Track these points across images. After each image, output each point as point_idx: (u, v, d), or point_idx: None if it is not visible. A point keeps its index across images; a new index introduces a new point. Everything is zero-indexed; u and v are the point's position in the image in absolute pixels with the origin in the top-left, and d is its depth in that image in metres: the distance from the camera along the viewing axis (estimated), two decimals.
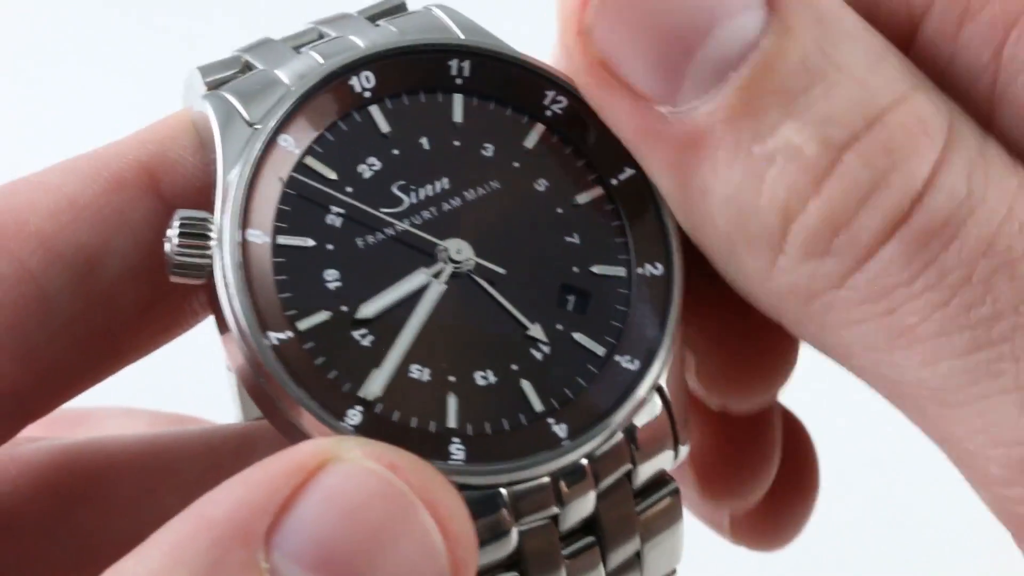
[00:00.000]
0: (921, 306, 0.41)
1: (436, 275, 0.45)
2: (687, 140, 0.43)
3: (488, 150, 0.48)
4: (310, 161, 0.46)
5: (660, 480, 0.47)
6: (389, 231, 0.46)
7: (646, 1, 0.43)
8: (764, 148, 0.42)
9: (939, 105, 0.43)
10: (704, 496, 0.58)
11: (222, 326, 0.45)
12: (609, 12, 0.43)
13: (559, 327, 0.46)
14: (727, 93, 0.42)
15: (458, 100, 0.48)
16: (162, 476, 0.52)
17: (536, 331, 0.45)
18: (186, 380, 0.81)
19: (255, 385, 0.44)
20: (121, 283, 0.47)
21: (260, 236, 0.44)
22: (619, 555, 0.46)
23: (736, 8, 0.42)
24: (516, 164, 0.48)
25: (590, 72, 0.45)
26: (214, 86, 0.48)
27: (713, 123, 0.42)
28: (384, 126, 0.47)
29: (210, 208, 0.46)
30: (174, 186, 0.48)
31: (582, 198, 0.48)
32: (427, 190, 0.47)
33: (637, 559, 0.47)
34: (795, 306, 0.43)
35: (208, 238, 0.44)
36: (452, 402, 0.44)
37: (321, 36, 0.49)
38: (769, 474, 0.58)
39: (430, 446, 0.42)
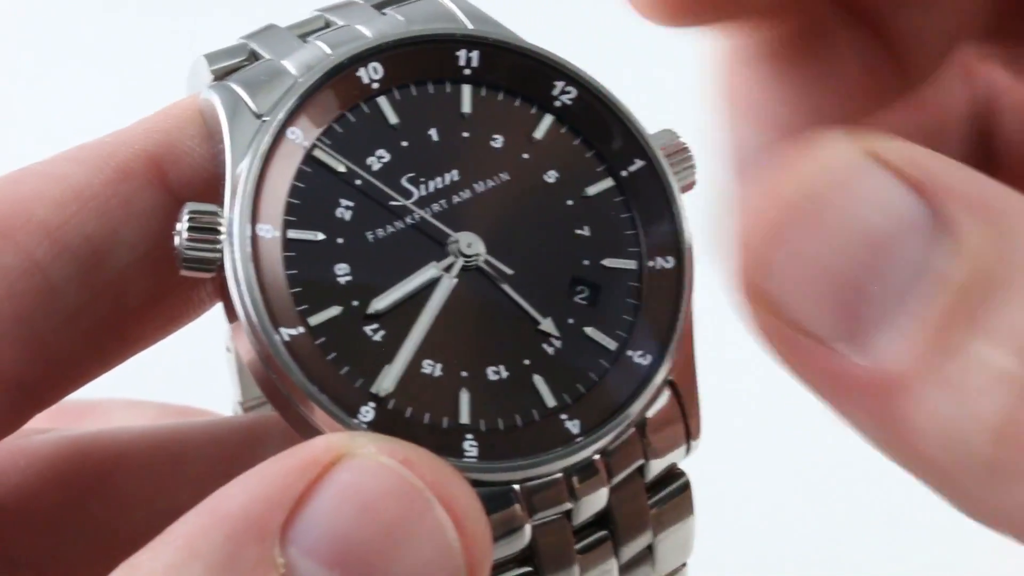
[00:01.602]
0: None
1: (447, 269, 0.46)
2: (886, 383, 0.41)
3: (497, 141, 0.48)
4: (319, 154, 0.46)
5: (672, 474, 0.48)
6: (399, 224, 0.46)
7: (820, 252, 0.41)
8: (969, 375, 0.40)
9: None
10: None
11: (231, 315, 0.45)
12: (774, 273, 0.41)
13: (570, 321, 0.46)
14: (914, 326, 0.40)
15: (466, 91, 0.48)
16: (171, 468, 0.53)
17: (548, 325, 0.46)
18: (192, 370, 0.82)
19: (266, 379, 0.44)
20: (128, 273, 0.48)
21: (270, 231, 0.45)
22: (631, 548, 0.47)
23: (900, 232, 0.41)
24: (526, 156, 0.48)
25: (771, 322, 0.42)
26: (221, 75, 0.48)
27: (907, 360, 0.40)
28: (393, 117, 0.48)
29: (217, 199, 0.46)
30: (180, 176, 0.48)
31: (592, 190, 0.48)
32: (437, 182, 0.47)
33: (649, 552, 0.48)
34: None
35: (218, 232, 0.45)
36: (465, 398, 0.45)
37: (327, 24, 0.50)
38: None
39: (443, 443, 0.43)
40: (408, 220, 0.47)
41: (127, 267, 0.48)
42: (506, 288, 0.46)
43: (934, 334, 0.40)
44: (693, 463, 0.48)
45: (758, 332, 0.43)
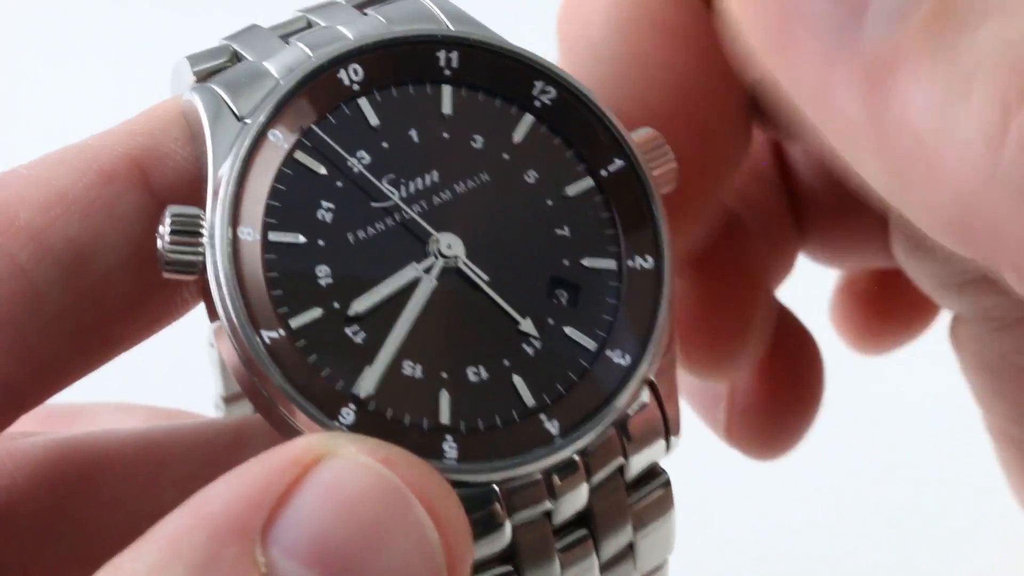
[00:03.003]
0: None
1: (427, 270, 0.47)
2: (881, 65, 0.41)
3: (478, 142, 0.49)
4: (300, 156, 0.47)
5: (652, 472, 0.49)
6: (380, 225, 0.47)
7: None
8: (970, 53, 0.40)
9: None
10: (686, 360, 0.58)
11: (212, 315, 0.46)
12: None
13: (550, 321, 0.47)
14: (920, 10, 0.41)
15: (447, 91, 0.49)
16: (157, 470, 0.54)
17: (527, 325, 0.47)
18: (178, 374, 0.83)
19: (248, 382, 0.45)
20: (111, 276, 0.49)
21: (251, 233, 0.46)
22: (612, 546, 0.48)
23: None
24: (506, 156, 0.49)
25: (767, 16, 0.43)
26: (203, 76, 0.49)
27: (909, 41, 0.41)
28: (373, 119, 0.49)
29: (200, 202, 0.47)
30: (164, 179, 0.49)
31: (572, 190, 0.49)
32: (417, 183, 0.48)
33: (630, 550, 0.49)
34: (1019, 208, 0.39)
35: (199, 235, 0.46)
36: (445, 399, 0.46)
37: (309, 25, 0.51)
38: (746, 340, 0.59)
39: (423, 444, 0.44)
40: (389, 221, 0.48)
41: (110, 269, 0.48)
42: (486, 288, 0.47)
43: (934, 12, 0.41)
44: (674, 461, 0.49)
45: (749, 24, 0.43)
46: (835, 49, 0.42)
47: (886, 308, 0.58)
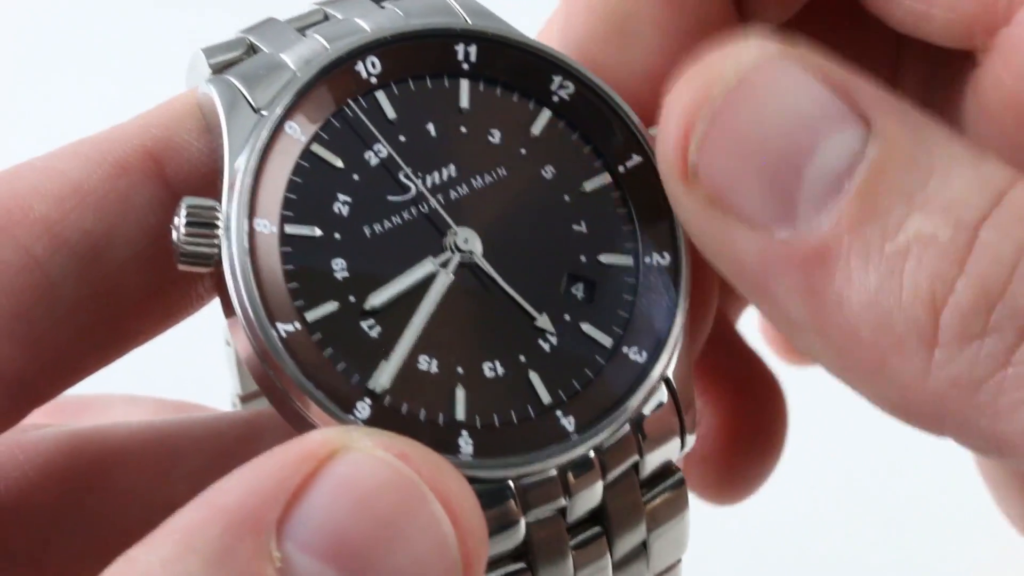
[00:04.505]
0: None
1: (443, 264, 0.47)
2: (814, 257, 0.44)
3: (495, 136, 0.50)
4: (317, 149, 0.48)
5: (666, 470, 0.49)
6: (396, 219, 0.48)
7: (746, 131, 0.45)
8: (896, 244, 0.43)
9: None
10: None
11: (228, 310, 0.47)
12: (711, 149, 0.45)
13: (567, 317, 0.48)
14: (847, 201, 0.44)
15: (464, 85, 0.50)
16: (169, 463, 0.54)
17: (543, 321, 0.47)
18: (188, 367, 0.83)
19: (263, 376, 0.46)
20: (126, 269, 0.49)
21: (267, 225, 0.46)
22: (625, 544, 0.48)
23: (834, 124, 0.44)
24: (523, 151, 0.50)
25: (703, 213, 0.46)
26: (219, 68, 0.50)
27: (839, 233, 0.44)
28: (391, 112, 0.49)
29: (215, 194, 0.48)
30: (179, 171, 0.50)
31: (589, 185, 0.50)
32: (434, 177, 0.49)
33: (643, 548, 0.49)
34: (961, 401, 0.43)
35: (215, 227, 0.46)
36: (460, 394, 0.46)
37: (326, 17, 0.51)
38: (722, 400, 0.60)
39: (439, 439, 0.45)
40: (405, 215, 0.48)
41: (125, 262, 0.49)
42: (502, 284, 0.47)
43: (869, 209, 0.44)
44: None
45: (682, 213, 0.46)
46: (768, 245, 0.45)
47: None
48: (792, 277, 0.44)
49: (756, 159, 0.45)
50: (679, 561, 0.51)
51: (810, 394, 0.64)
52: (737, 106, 0.45)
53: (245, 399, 0.63)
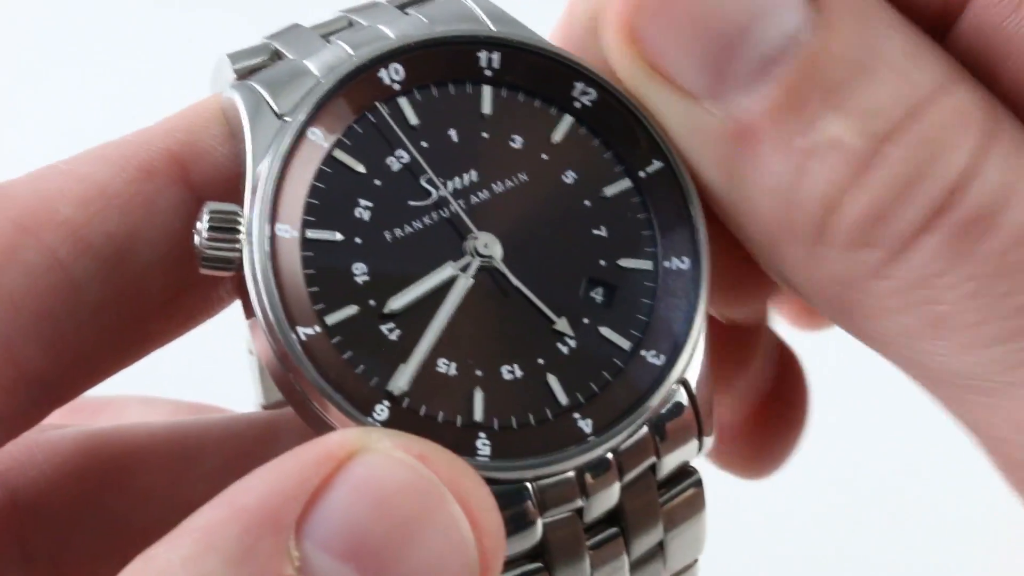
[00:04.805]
0: (959, 295, 0.44)
1: (463, 269, 0.48)
2: (734, 134, 0.46)
3: (516, 142, 0.50)
4: (339, 154, 0.48)
5: (684, 471, 0.49)
6: (417, 224, 0.48)
7: (689, 1, 0.46)
8: (807, 140, 0.45)
9: (977, 97, 0.46)
10: None
11: (249, 313, 0.47)
12: (652, 12, 0.46)
13: (585, 320, 0.48)
14: (771, 87, 0.45)
15: (487, 92, 0.50)
16: (187, 463, 0.55)
17: (562, 325, 0.48)
18: (206, 369, 0.84)
19: (283, 378, 0.46)
20: (149, 272, 0.50)
21: (289, 230, 0.47)
22: (642, 545, 0.49)
23: (776, 3, 0.45)
24: (544, 156, 0.50)
25: (636, 70, 0.48)
26: (243, 74, 0.50)
27: (758, 117, 0.45)
28: (413, 118, 0.49)
29: (238, 199, 0.48)
30: (203, 175, 0.50)
31: (610, 190, 0.50)
32: (456, 183, 0.49)
33: (660, 549, 0.50)
34: (834, 295, 0.46)
35: (237, 231, 0.47)
36: (479, 396, 0.46)
37: (350, 24, 0.52)
38: (747, 379, 0.61)
39: (457, 441, 0.45)
40: (426, 220, 0.48)
41: (148, 265, 0.50)
42: (522, 288, 0.48)
43: (787, 95, 0.45)
44: (707, 462, 0.50)
45: (619, 70, 0.48)
46: (695, 114, 0.47)
47: None
48: (712, 148, 0.47)
49: (695, 30, 0.46)
50: (696, 561, 0.51)
51: (819, 396, 0.64)
52: None
53: (268, 409, 0.63)
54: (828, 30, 0.45)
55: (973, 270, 0.44)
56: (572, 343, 0.48)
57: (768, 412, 0.62)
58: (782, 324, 0.65)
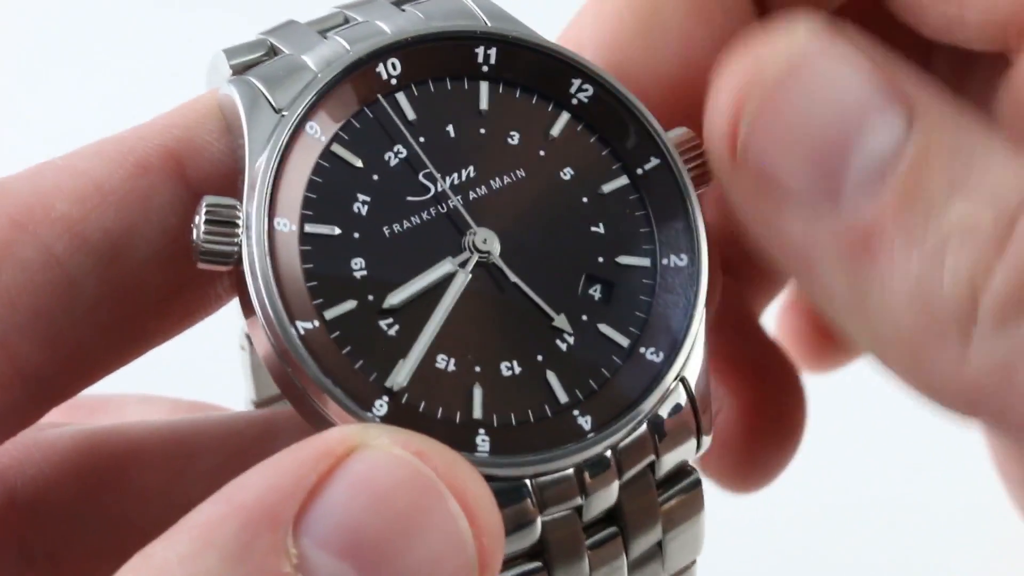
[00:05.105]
0: None
1: (462, 264, 0.48)
2: (859, 240, 0.45)
3: (514, 138, 0.50)
4: (337, 149, 0.48)
5: (682, 471, 0.49)
6: (415, 219, 0.48)
7: (796, 114, 0.46)
8: (939, 230, 0.44)
9: None
10: None
11: (248, 311, 0.47)
12: (761, 129, 0.46)
13: (584, 318, 0.48)
14: (892, 187, 0.45)
15: (484, 88, 0.50)
16: (186, 462, 0.54)
17: (561, 322, 0.48)
18: (201, 365, 0.83)
19: (282, 373, 0.46)
20: (146, 268, 0.49)
21: (287, 224, 0.47)
22: (641, 544, 0.49)
23: (880, 109, 0.45)
24: (542, 152, 0.50)
25: (750, 191, 0.47)
26: (240, 70, 0.50)
27: (882, 217, 0.45)
28: (410, 113, 0.49)
29: (236, 194, 0.48)
30: (199, 171, 0.50)
31: (608, 187, 0.50)
32: (453, 178, 0.49)
33: (659, 549, 0.49)
34: (998, 383, 0.45)
35: (235, 226, 0.47)
36: (478, 393, 0.46)
37: (347, 20, 0.52)
38: (744, 392, 0.61)
39: (456, 437, 0.45)
40: (424, 215, 0.48)
41: (145, 261, 0.49)
42: (520, 284, 0.48)
43: (912, 195, 0.45)
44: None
45: (731, 192, 0.48)
46: (814, 225, 0.46)
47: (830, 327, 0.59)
48: (836, 258, 0.46)
49: (805, 140, 0.46)
50: (694, 562, 0.51)
51: (821, 400, 0.64)
52: (787, 88, 0.46)
53: (260, 404, 0.63)
54: (933, 131, 0.45)
55: None
56: (571, 340, 0.48)
57: (763, 425, 0.62)
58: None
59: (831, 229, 0.45)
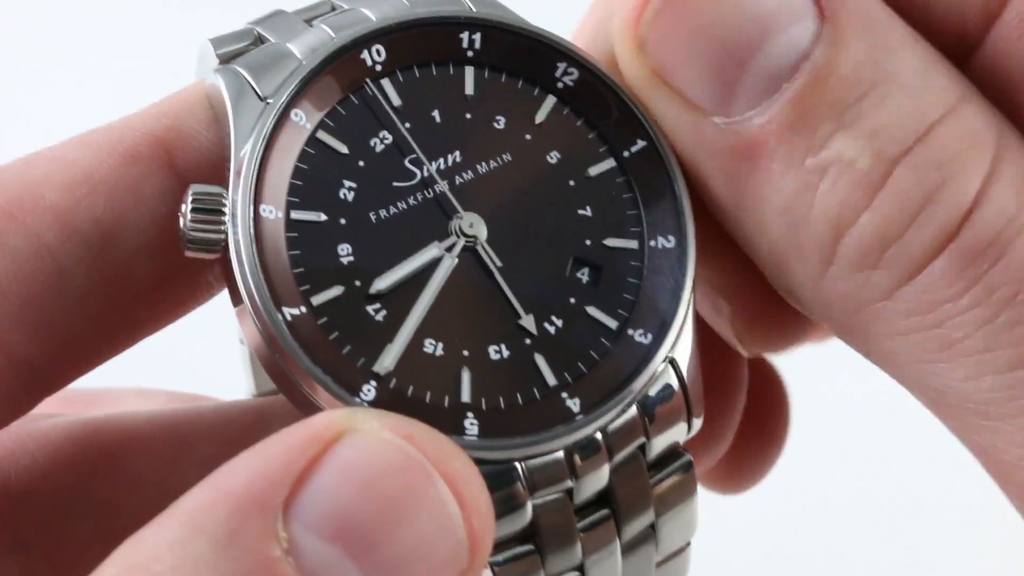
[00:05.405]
0: (967, 321, 0.44)
1: (448, 249, 0.48)
2: (742, 150, 0.46)
3: (500, 123, 0.50)
4: (322, 135, 0.48)
5: (673, 453, 0.49)
6: (402, 204, 0.48)
7: (700, 13, 0.46)
8: (817, 160, 0.45)
9: (988, 117, 0.46)
10: None
11: (236, 299, 0.47)
12: (663, 24, 0.46)
13: (572, 301, 0.48)
14: (780, 105, 0.45)
15: (469, 72, 0.50)
16: (179, 451, 0.55)
17: (527, 321, 0.48)
18: (199, 359, 0.84)
19: (270, 360, 0.46)
20: (136, 257, 0.50)
21: (273, 211, 0.47)
22: (634, 527, 0.49)
23: (788, 19, 0.45)
24: (528, 136, 0.50)
25: (646, 82, 0.47)
26: (226, 59, 0.50)
27: (767, 134, 0.45)
28: (396, 99, 0.49)
29: (224, 183, 0.48)
30: (188, 160, 0.50)
31: (594, 170, 0.50)
32: (439, 163, 0.49)
33: (652, 531, 0.49)
34: (843, 314, 0.46)
35: (222, 213, 0.47)
36: (466, 376, 0.46)
37: (333, 8, 0.52)
38: (732, 415, 0.61)
39: (444, 421, 0.45)
40: (411, 201, 0.48)
41: (136, 250, 0.50)
42: (497, 277, 0.48)
43: (797, 113, 0.45)
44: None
45: (629, 78, 0.48)
46: (701, 126, 0.46)
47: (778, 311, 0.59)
48: (719, 161, 0.46)
49: (705, 43, 0.46)
50: (688, 544, 0.51)
51: (817, 393, 0.64)
52: None
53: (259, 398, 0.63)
54: (838, 46, 0.45)
55: (982, 297, 0.44)
56: (559, 323, 0.48)
57: (747, 427, 0.62)
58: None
59: (717, 133, 0.46)
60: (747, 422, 0.61)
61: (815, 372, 0.66)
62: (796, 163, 0.45)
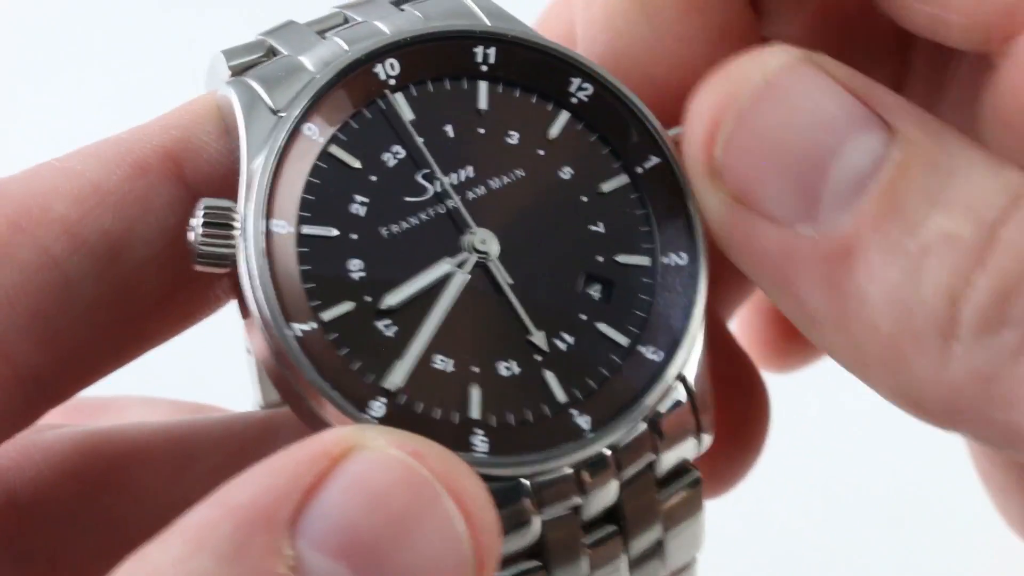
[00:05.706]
0: None
1: (460, 265, 0.47)
2: (836, 253, 0.45)
3: (513, 138, 0.50)
4: (334, 150, 0.48)
5: (682, 469, 0.49)
6: (413, 220, 0.48)
7: (774, 130, 0.46)
8: (918, 240, 0.44)
9: None
10: None
11: (245, 312, 0.47)
12: (738, 147, 0.46)
13: (583, 317, 0.48)
14: (870, 200, 0.45)
15: (483, 87, 0.50)
16: (185, 463, 0.54)
17: (539, 338, 0.47)
18: (205, 368, 0.83)
19: (279, 375, 0.46)
20: (144, 269, 0.49)
21: (284, 226, 0.46)
22: (641, 543, 0.48)
23: (857, 126, 0.46)
24: (541, 152, 0.50)
25: (728, 208, 0.47)
26: (238, 71, 0.50)
27: (861, 230, 0.45)
28: (408, 114, 0.49)
29: (233, 196, 0.48)
30: (198, 172, 0.50)
31: (607, 186, 0.50)
32: (452, 179, 0.49)
33: (659, 547, 0.49)
34: (977, 393, 0.45)
35: (232, 227, 0.47)
36: (475, 393, 0.46)
37: (346, 21, 0.52)
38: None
39: (453, 437, 0.45)
40: (422, 216, 0.48)
41: (143, 262, 0.49)
42: (508, 294, 0.47)
43: (891, 207, 0.45)
44: None
45: (707, 209, 0.48)
46: (791, 240, 0.46)
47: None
48: (814, 272, 0.46)
49: (781, 158, 0.46)
50: (695, 560, 0.51)
51: (816, 395, 0.64)
52: (763, 106, 0.46)
53: (267, 408, 0.63)
54: (913, 145, 0.45)
55: None
56: (570, 339, 0.47)
57: (725, 431, 0.61)
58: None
59: (808, 243, 0.45)
60: (725, 424, 0.61)
61: (815, 372, 0.65)
62: (897, 249, 0.44)
